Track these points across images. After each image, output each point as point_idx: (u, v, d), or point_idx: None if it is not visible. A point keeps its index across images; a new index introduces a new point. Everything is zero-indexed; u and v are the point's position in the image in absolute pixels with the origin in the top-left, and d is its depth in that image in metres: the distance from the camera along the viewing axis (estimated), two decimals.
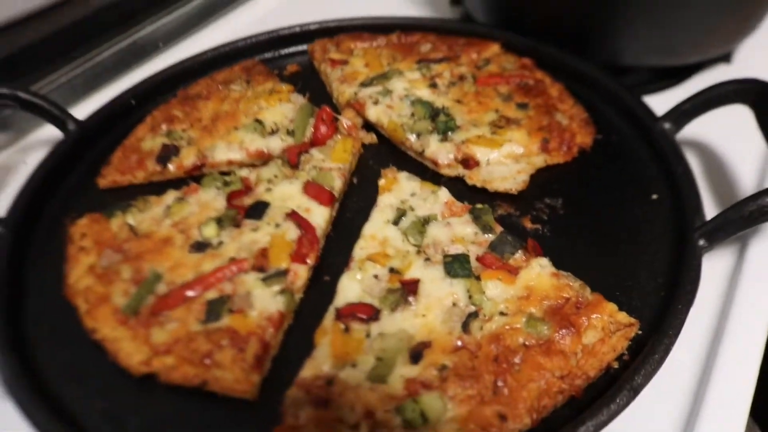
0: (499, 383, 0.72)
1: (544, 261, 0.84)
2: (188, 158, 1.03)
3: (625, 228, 0.92)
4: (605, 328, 0.77)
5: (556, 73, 1.13)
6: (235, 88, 1.14)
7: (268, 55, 1.28)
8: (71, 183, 1.03)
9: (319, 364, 0.76)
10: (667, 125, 0.98)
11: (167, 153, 1.03)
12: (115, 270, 0.87)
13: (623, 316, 0.78)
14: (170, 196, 0.97)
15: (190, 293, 0.83)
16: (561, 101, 1.08)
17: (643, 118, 1.02)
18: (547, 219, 0.93)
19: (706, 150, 1.05)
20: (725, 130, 1.04)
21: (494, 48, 1.19)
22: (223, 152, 1.03)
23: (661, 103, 1.06)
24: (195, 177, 1.02)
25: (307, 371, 0.75)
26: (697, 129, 1.02)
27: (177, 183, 1.01)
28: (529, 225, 0.92)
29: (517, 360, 0.74)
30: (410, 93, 1.09)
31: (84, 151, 1.07)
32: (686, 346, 0.81)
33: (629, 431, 0.74)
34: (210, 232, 0.90)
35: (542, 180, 0.98)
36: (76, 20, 1.32)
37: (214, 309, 0.81)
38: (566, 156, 1.01)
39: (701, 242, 0.83)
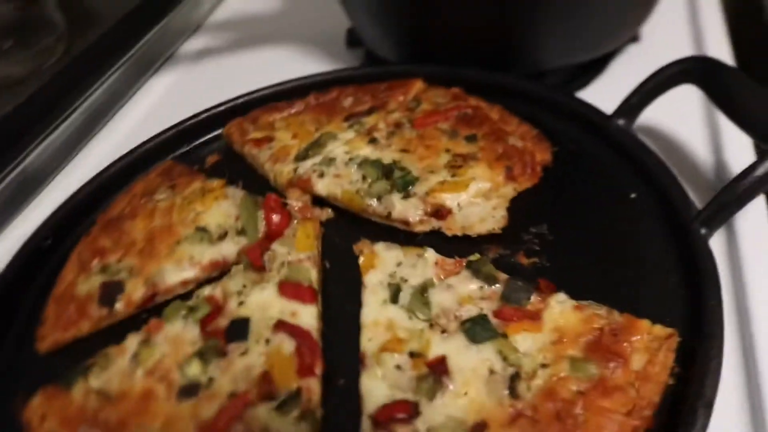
0: None
1: (561, 296, 0.79)
2: (136, 291, 0.90)
3: (615, 234, 0.88)
4: (648, 348, 0.73)
5: (489, 95, 1.09)
6: (161, 197, 1.02)
7: (181, 150, 1.16)
8: (4, 357, 0.88)
9: None
10: (621, 122, 0.96)
11: (110, 292, 0.90)
12: None
13: (660, 329, 0.74)
14: (132, 341, 0.83)
15: None
16: (505, 123, 1.03)
17: (593, 119, 0.99)
18: (539, 249, 0.88)
19: (663, 136, 1.05)
20: (675, 112, 1.04)
21: (418, 84, 1.14)
22: (174, 274, 0.91)
23: (591, 95, 1.05)
24: (150, 309, 0.90)
25: None
26: (647, 118, 1.01)
27: (133, 321, 0.88)
28: (525, 261, 0.87)
29: (578, 411, 0.68)
30: (353, 155, 1.01)
31: (8, 314, 0.93)
32: None
33: None
34: (195, 369, 0.78)
35: (519, 210, 0.93)
36: None
37: None
38: (533, 178, 0.97)
39: (703, 231, 0.82)
